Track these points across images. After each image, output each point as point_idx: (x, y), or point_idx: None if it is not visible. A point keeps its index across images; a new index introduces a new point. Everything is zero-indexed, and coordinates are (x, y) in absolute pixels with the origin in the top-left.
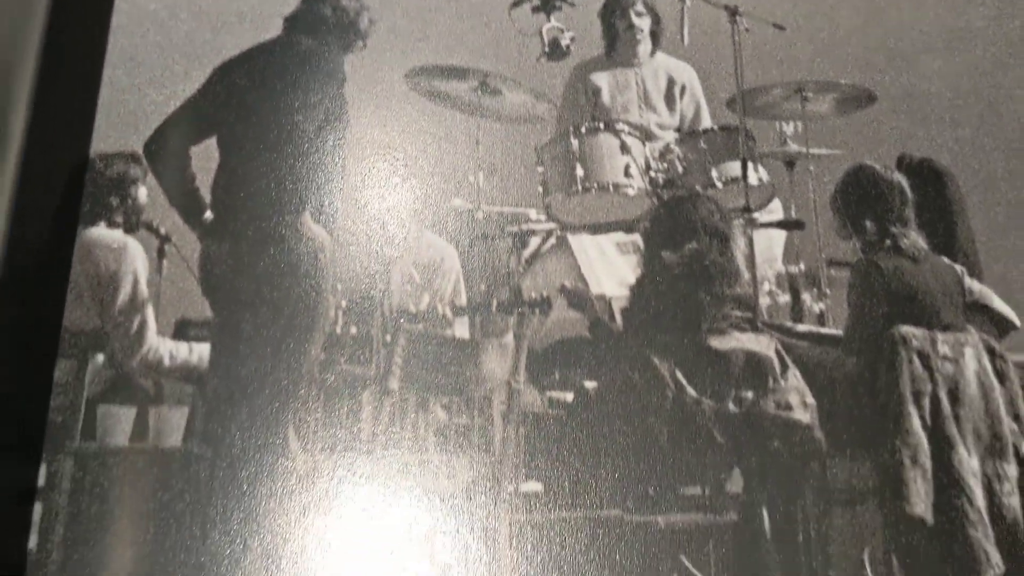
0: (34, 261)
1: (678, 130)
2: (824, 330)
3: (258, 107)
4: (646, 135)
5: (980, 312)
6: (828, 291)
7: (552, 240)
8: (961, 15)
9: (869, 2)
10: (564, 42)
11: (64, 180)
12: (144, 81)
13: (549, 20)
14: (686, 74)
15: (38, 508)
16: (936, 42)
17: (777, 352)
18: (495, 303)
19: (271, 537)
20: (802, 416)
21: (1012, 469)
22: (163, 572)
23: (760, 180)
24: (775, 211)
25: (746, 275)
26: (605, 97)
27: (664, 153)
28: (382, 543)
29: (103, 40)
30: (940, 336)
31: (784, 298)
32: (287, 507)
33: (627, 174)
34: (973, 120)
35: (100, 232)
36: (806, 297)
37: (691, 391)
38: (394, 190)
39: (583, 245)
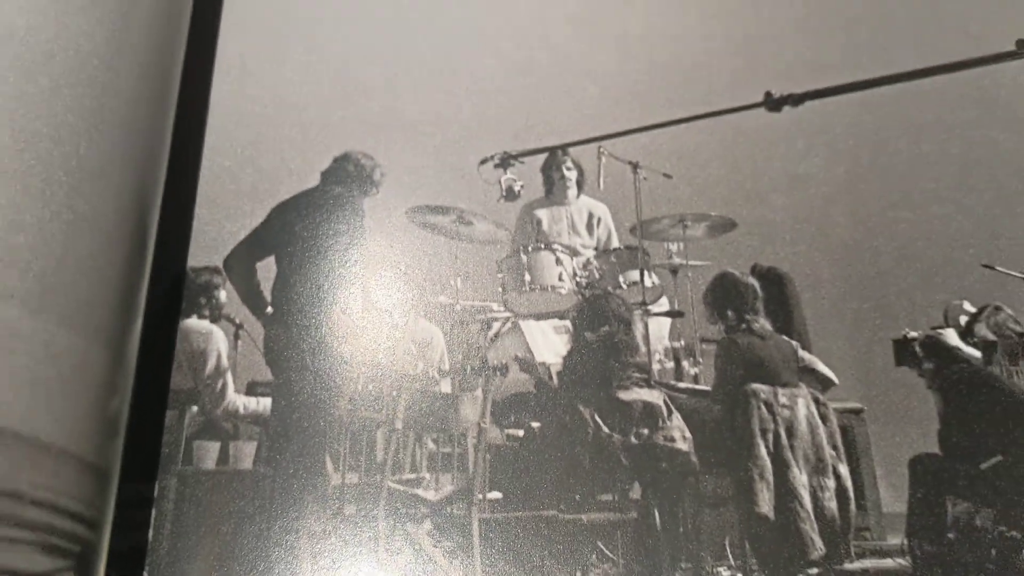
0: (151, 344)
1: (596, 249)
2: (698, 386)
3: (303, 235)
4: (573, 252)
5: (809, 374)
6: (701, 360)
7: (509, 324)
8: (799, 164)
9: (732, 156)
10: (516, 188)
11: (169, 286)
12: (222, 216)
13: (506, 173)
14: (601, 209)
15: (153, 512)
16: (781, 184)
17: (665, 402)
18: (469, 368)
19: (314, 528)
20: (683, 446)
21: (831, 482)
22: (240, 554)
23: (653, 283)
24: (663, 304)
25: (643, 348)
26: (545, 226)
27: (586, 265)
28: (388, 535)
29: (195, 187)
30: (780, 391)
31: (670, 364)
32: (324, 508)
33: (560, 279)
34: (807, 240)
35: (193, 322)
36: (685, 364)
37: (605, 429)
38: (398, 290)
39: (530, 328)
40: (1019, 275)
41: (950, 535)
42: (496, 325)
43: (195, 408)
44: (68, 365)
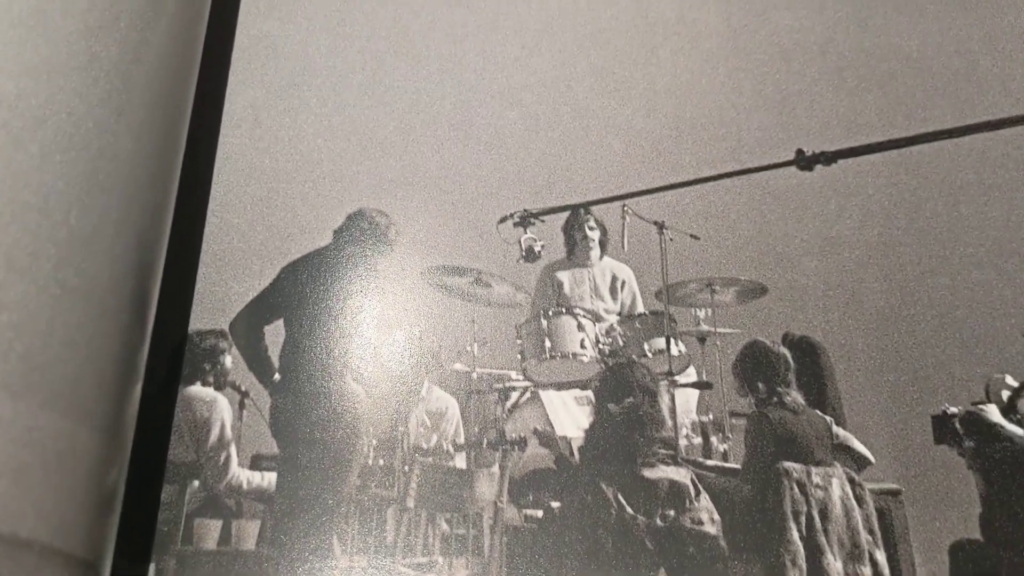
0: (149, 412)
1: (619, 314)
2: (727, 464)
3: (314, 296)
4: (596, 318)
5: (844, 452)
6: (730, 435)
7: (528, 394)
8: (832, 226)
9: (762, 217)
10: (536, 248)
11: (170, 351)
12: (229, 276)
13: (526, 232)
14: (625, 272)
15: None
16: (813, 247)
17: (692, 480)
18: (485, 442)
19: None
20: (711, 529)
21: (867, 570)
22: None
23: (680, 352)
24: (691, 375)
25: (669, 422)
26: (566, 289)
27: (609, 331)
28: None
29: (198, 246)
30: (814, 470)
31: (697, 440)
32: None
33: (582, 346)
34: (840, 307)
35: (196, 389)
36: (714, 439)
37: (629, 510)
38: (411, 356)
39: (550, 398)
40: None
41: None
42: (514, 395)
43: (196, 483)
44: (53, 452)
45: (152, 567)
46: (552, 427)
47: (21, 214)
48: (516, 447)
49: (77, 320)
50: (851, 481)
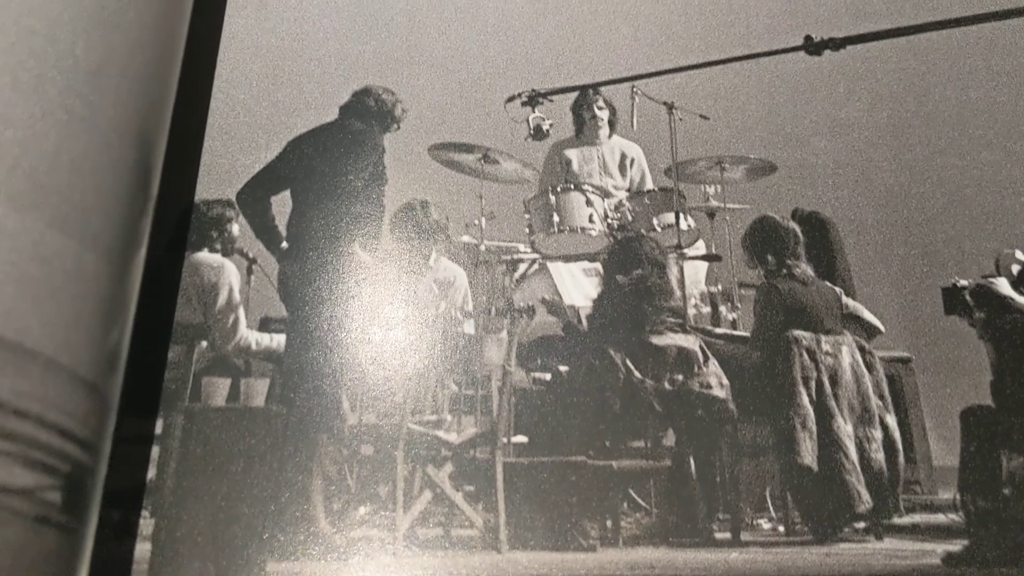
0: (156, 277)
1: (628, 190)
2: (736, 332)
3: (321, 169)
4: (605, 194)
5: (854, 321)
6: (739, 305)
7: (536, 266)
8: (842, 107)
9: (771, 99)
10: (545, 127)
11: (176, 218)
12: (236, 149)
13: (534, 111)
14: (634, 150)
15: (157, 450)
16: (822, 127)
17: (701, 347)
18: (493, 310)
19: (329, 469)
20: (719, 393)
21: (877, 433)
22: (249, 495)
23: (689, 226)
24: (700, 248)
25: (678, 293)
26: (575, 166)
27: (618, 206)
28: (408, 477)
29: (204, 119)
30: (823, 338)
31: (706, 309)
32: (340, 449)
33: (591, 221)
34: (849, 184)
35: (204, 255)
36: (723, 309)
37: (637, 374)
38: (418, 228)
39: (558, 270)
40: None
41: (1005, 491)
42: (522, 267)
43: (204, 343)
44: (60, 270)
45: (161, 422)
46: (560, 296)
47: (27, 37)
48: (524, 315)
49: (83, 149)
50: (861, 349)
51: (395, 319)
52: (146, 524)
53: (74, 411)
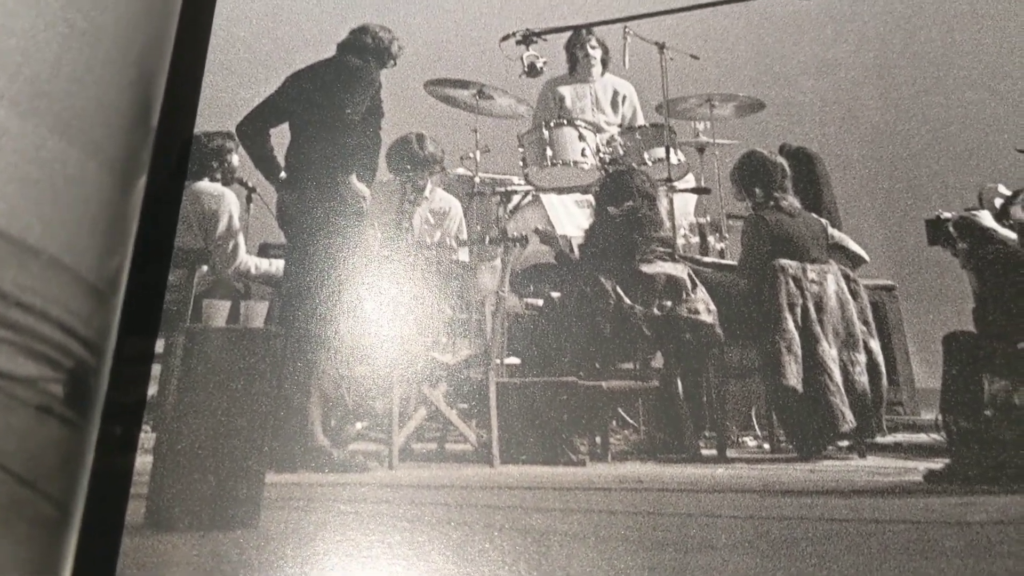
0: (156, 204)
1: (620, 126)
2: (723, 261)
3: (319, 103)
4: (597, 129)
5: (839, 251)
6: (727, 236)
7: (529, 197)
8: (829, 48)
9: (760, 40)
10: (538, 65)
11: (176, 149)
12: (236, 84)
13: (528, 49)
14: (626, 88)
15: (159, 368)
16: (810, 67)
17: (689, 275)
18: (487, 239)
19: (326, 387)
20: (707, 318)
21: (861, 357)
22: (249, 411)
23: (679, 160)
24: (689, 181)
25: (667, 224)
26: (568, 102)
27: (610, 141)
28: (403, 395)
29: (204, 53)
30: (809, 266)
31: (695, 239)
32: (337, 367)
33: (583, 155)
34: (836, 122)
35: (204, 184)
36: (711, 239)
37: (627, 300)
38: (414, 159)
39: (551, 201)
40: None
41: (987, 412)
42: (516, 198)
43: (205, 268)
44: (62, 175)
45: (163, 342)
46: (553, 226)
47: None
48: (517, 243)
49: (85, 62)
50: (846, 277)
51: (392, 247)
52: (147, 438)
53: (77, 310)
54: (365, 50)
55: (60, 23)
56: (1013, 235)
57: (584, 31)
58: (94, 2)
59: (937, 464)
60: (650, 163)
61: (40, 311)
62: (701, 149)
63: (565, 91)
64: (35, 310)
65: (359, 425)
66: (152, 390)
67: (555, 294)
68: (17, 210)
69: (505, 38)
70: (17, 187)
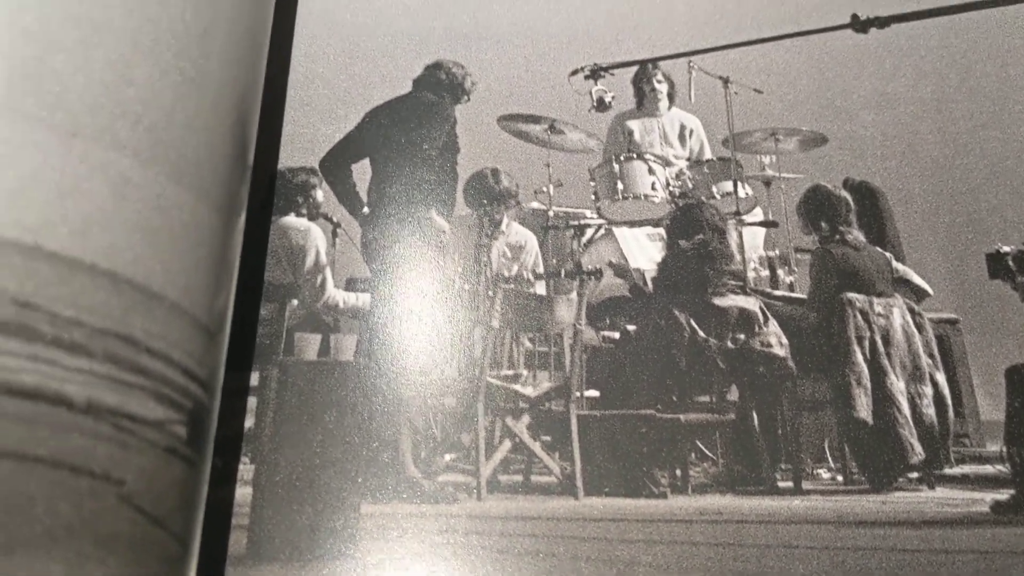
0: (248, 239)
1: (688, 159)
2: (793, 295)
3: (398, 139)
4: (666, 163)
5: (904, 285)
6: (796, 269)
7: (602, 231)
8: (888, 83)
9: (821, 74)
10: (607, 99)
11: (263, 185)
12: (317, 120)
13: (596, 84)
14: (693, 122)
15: (255, 401)
16: (870, 102)
17: (761, 308)
18: (563, 272)
19: (415, 421)
20: (779, 351)
21: (928, 390)
22: (342, 442)
23: (746, 194)
24: (757, 215)
25: (738, 257)
26: (636, 136)
27: (679, 175)
28: (489, 428)
29: (284, 91)
30: (875, 300)
31: (765, 272)
32: (425, 401)
33: (653, 188)
34: (896, 156)
35: (291, 219)
36: (780, 272)
37: (701, 333)
38: (491, 194)
39: (624, 235)
40: None
41: None
42: (589, 231)
43: (295, 302)
44: (179, 220)
45: (259, 375)
46: (626, 260)
47: (143, 3)
48: (592, 277)
49: (195, 108)
50: (911, 311)
51: (471, 280)
52: (245, 470)
53: (193, 351)
54: (440, 86)
55: (173, 71)
56: None
57: (650, 65)
58: (201, 50)
59: (1003, 495)
60: (719, 196)
61: (164, 355)
62: (768, 183)
63: (633, 125)
64: (161, 355)
65: (448, 457)
66: (248, 422)
67: (631, 327)
68: (142, 258)
69: (574, 72)
70: (142, 236)
